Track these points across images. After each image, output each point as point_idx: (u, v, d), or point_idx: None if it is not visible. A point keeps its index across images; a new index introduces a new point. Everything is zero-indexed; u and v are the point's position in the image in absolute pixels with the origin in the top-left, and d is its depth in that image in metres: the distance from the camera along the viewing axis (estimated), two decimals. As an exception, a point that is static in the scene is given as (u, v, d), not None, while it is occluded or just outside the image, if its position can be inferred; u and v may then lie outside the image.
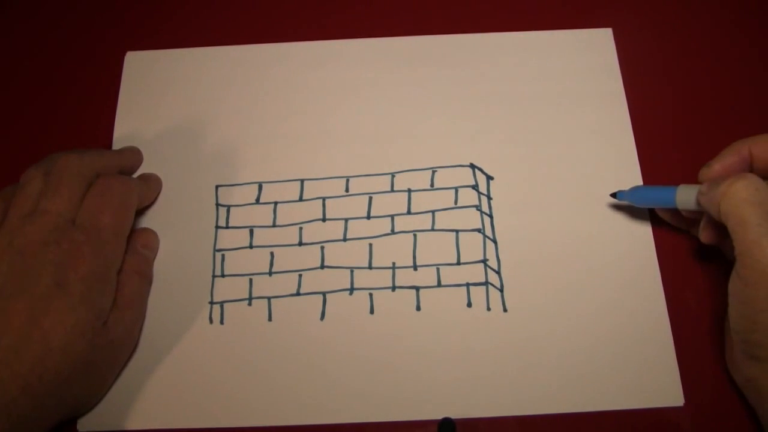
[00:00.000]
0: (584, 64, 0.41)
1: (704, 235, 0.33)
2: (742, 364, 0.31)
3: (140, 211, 0.37)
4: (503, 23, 0.43)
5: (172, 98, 0.42)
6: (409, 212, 0.38)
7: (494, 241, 0.37)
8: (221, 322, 0.36)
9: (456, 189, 0.39)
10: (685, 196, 0.33)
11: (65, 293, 0.30)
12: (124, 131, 0.41)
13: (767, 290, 0.28)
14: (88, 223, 0.32)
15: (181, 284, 0.37)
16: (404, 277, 0.37)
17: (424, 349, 0.35)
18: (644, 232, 0.37)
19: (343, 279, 0.37)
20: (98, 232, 0.32)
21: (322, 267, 0.37)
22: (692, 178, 0.34)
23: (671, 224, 0.36)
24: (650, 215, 0.37)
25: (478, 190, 0.39)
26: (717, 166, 0.32)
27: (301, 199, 0.39)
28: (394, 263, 0.37)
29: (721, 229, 0.31)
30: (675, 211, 0.35)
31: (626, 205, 0.37)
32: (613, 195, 0.37)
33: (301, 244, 0.38)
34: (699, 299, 0.36)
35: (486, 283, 0.36)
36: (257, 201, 0.39)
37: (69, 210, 0.32)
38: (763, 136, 0.32)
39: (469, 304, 0.36)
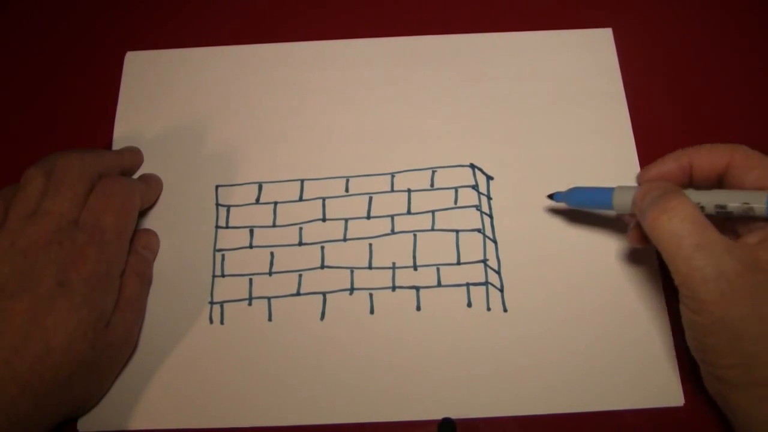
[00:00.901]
0: (584, 64, 0.41)
1: (633, 239, 0.33)
2: (706, 378, 0.31)
3: (141, 212, 0.37)
4: (503, 23, 0.43)
5: (172, 98, 0.42)
6: (409, 212, 0.38)
7: (494, 241, 0.37)
8: (221, 322, 0.36)
9: (456, 189, 0.39)
10: (622, 198, 0.32)
11: (68, 293, 0.30)
12: (124, 131, 0.41)
13: (710, 317, 0.27)
14: (91, 224, 0.32)
15: (181, 284, 0.37)
16: (404, 277, 0.37)
17: (424, 349, 0.35)
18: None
19: (343, 279, 0.37)
20: (101, 233, 0.32)
21: (322, 267, 0.37)
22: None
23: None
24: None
25: (478, 190, 0.39)
26: (655, 171, 0.32)
27: (301, 199, 0.39)
28: (394, 263, 0.37)
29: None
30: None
31: (564, 207, 0.37)
32: (550, 197, 0.37)
33: (301, 244, 0.38)
34: (699, 299, 0.36)
35: (486, 283, 0.36)
36: (257, 201, 0.39)
37: (71, 211, 0.32)
38: (704, 146, 0.32)
39: (469, 304, 0.36)
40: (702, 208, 0.30)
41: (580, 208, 0.37)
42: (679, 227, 0.28)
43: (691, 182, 0.32)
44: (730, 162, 0.30)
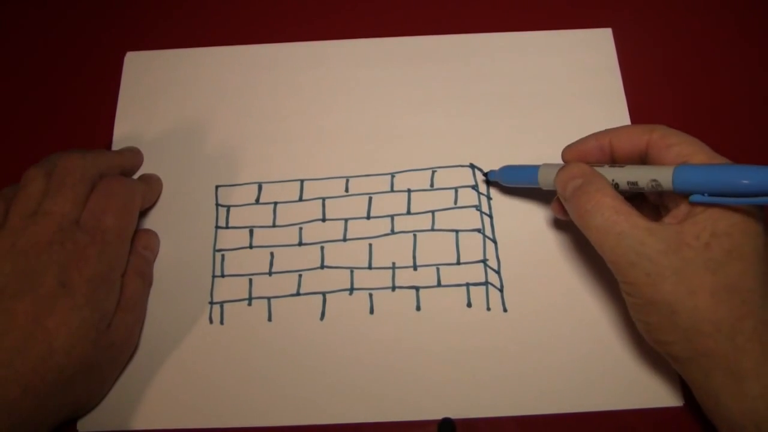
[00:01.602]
0: (584, 64, 0.41)
1: (556, 211, 0.35)
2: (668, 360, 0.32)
3: (141, 212, 0.37)
4: (503, 23, 0.43)
5: (172, 98, 0.42)
6: (408, 212, 0.38)
7: (494, 241, 0.37)
8: (221, 323, 0.36)
9: (456, 189, 0.39)
10: (546, 177, 0.34)
11: (70, 294, 0.30)
12: (124, 131, 0.41)
13: (642, 297, 0.29)
14: (92, 224, 0.32)
15: (181, 284, 0.37)
16: (404, 277, 0.37)
17: (424, 349, 0.35)
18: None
19: (343, 279, 0.37)
20: (102, 233, 0.32)
21: (322, 267, 0.37)
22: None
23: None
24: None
25: (477, 190, 0.39)
26: (576, 148, 0.33)
27: (300, 199, 0.39)
28: (394, 263, 0.37)
29: None
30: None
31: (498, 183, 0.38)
32: (485, 175, 0.38)
33: (301, 244, 0.38)
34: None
35: (486, 283, 0.36)
36: (257, 201, 0.39)
37: (72, 211, 0.32)
38: (624, 127, 0.32)
39: (469, 304, 0.36)
40: (616, 185, 0.31)
41: (514, 185, 0.38)
42: (602, 220, 0.29)
43: (612, 161, 0.33)
44: (648, 142, 0.31)
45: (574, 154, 0.33)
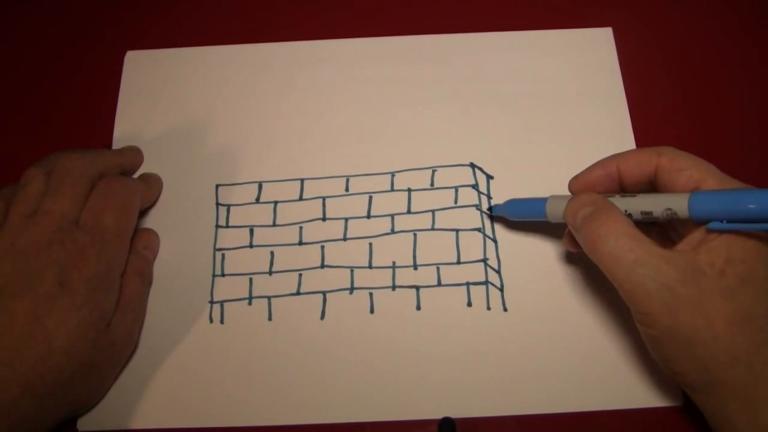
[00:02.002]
0: (584, 63, 0.41)
1: (568, 244, 0.33)
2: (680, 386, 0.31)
3: (141, 212, 0.37)
4: (503, 22, 0.43)
5: (172, 98, 0.42)
6: (409, 212, 0.38)
7: (494, 241, 0.37)
8: (221, 322, 0.36)
9: (456, 188, 0.39)
10: (554, 209, 0.33)
11: (69, 293, 0.30)
12: (124, 131, 0.41)
13: (659, 328, 0.28)
14: (92, 224, 0.32)
15: (181, 284, 0.37)
16: (404, 277, 0.37)
17: (424, 348, 0.35)
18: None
19: (343, 278, 0.37)
20: (102, 233, 0.32)
21: (322, 266, 0.37)
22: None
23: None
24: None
25: (478, 190, 0.39)
26: (583, 179, 0.32)
27: (301, 199, 0.39)
28: (394, 263, 0.37)
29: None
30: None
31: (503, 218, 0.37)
32: (489, 210, 0.37)
33: (301, 243, 0.38)
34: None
35: (486, 283, 0.36)
36: (257, 200, 0.39)
37: (72, 210, 0.32)
38: (631, 152, 0.31)
39: (469, 304, 0.36)
40: (629, 215, 0.30)
41: (520, 220, 0.36)
42: (615, 246, 0.28)
43: (622, 188, 0.32)
44: (657, 165, 0.30)
45: (581, 184, 0.32)
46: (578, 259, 0.36)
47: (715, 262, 0.27)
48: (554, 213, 0.33)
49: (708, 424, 0.30)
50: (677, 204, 0.28)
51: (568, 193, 0.33)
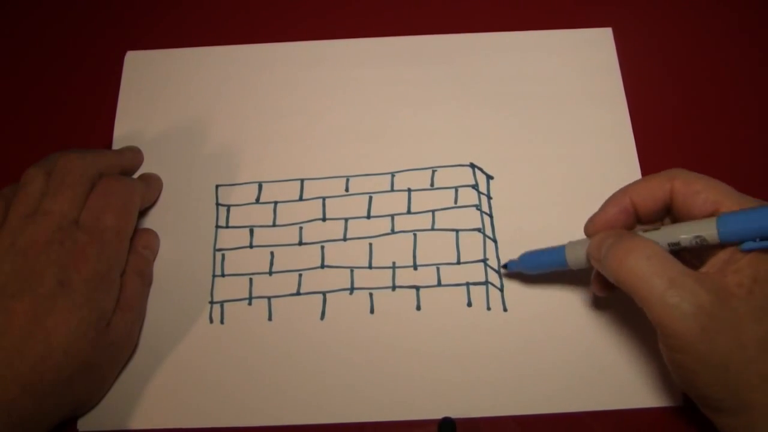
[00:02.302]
0: (584, 63, 0.41)
1: (597, 288, 0.32)
2: (699, 406, 0.30)
3: (141, 212, 0.37)
4: (503, 23, 0.43)
5: (172, 98, 0.42)
6: (409, 212, 0.38)
7: (494, 241, 0.37)
8: (221, 322, 0.36)
9: (456, 188, 0.39)
10: (575, 254, 0.32)
11: (69, 293, 0.30)
12: (124, 131, 0.41)
13: (694, 354, 0.26)
14: (92, 224, 0.32)
15: (181, 284, 0.37)
16: (404, 277, 0.37)
17: (424, 348, 0.35)
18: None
19: (343, 279, 0.37)
20: (101, 233, 0.32)
21: (322, 267, 0.37)
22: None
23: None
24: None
25: (478, 190, 0.39)
26: (599, 220, 0.31)
27: (301, 199, 0.39)
28: (394, 263, 0.37)
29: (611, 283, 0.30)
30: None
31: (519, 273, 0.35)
32: (504, 267, 0.36)
33: (301, 243, 0.38)
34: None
35: (486, 283, 0.36)
36: (257, 201, 0.39)
37: (72, 210, 0.32)
38: (641, 182, 0.31)
39: (469, 304, 0.36)
40: None
41: (538, 273, 0.35)
42: (646, 266, 0.27)
43: (639, 220, 0.31)
44: (672, 190, 0.29)
45: (599, 225, 0.31)
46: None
47: (743, 282, 0.26)
48: (575, 257, 0.32)
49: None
50: (705, 230, 0.27)
51: (584, 236, 0.32)
